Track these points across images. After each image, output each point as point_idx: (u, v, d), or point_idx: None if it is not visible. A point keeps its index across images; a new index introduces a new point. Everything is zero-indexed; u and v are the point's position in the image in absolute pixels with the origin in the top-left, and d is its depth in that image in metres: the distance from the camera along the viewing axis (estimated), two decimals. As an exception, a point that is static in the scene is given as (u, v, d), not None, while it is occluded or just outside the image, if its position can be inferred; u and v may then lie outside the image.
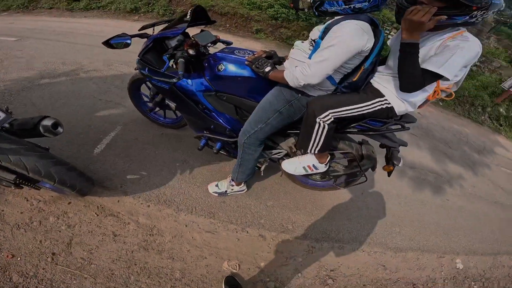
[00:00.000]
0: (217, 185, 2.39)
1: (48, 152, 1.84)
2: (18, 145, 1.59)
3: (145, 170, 2.45)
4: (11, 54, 4.39)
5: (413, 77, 1.41)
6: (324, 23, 1.57)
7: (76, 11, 8.70)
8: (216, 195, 2.39)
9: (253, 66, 1.81)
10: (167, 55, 1.86)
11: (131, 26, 7.06)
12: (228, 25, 7.79)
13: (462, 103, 7.52)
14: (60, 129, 1.53)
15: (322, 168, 2.03)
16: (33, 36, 5.51)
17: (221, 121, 2.17)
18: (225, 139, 2.21)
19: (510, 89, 7.71)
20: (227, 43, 2.37)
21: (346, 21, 1.44)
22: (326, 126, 1.70)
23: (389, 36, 7.84)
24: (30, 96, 3.21)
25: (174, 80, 1.79)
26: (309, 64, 1.54)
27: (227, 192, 2.39)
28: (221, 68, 1.91)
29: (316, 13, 1.57)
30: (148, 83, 2.54)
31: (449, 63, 1.35)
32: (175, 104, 2.21)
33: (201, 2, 7.89)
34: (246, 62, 1.86)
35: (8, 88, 3.34)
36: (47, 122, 1.50)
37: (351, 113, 1.67)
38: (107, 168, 2.40)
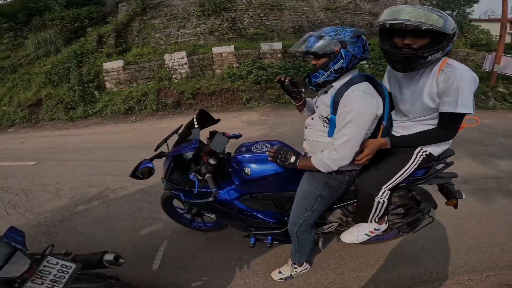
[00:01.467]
0: (280, 272, 2.29)
1: (120, 281, 1.98)
2: (98, 283, 1.75)
3: (206, 276, 2.48)
4: (37, 182, 4.68)
5: (438, 138, 1.53)
6: (325, 93, 1.63)
7: (75, 120, 9.14)
8: (283, 280, 2.29)
9: (278, 161, 1.72)
10: (193, 173, 1.81)
11: (132, 128, 7.57)
12: (219, 103, 8.30)
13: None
14: (121, 260, 1.66)
15: (384, 227, 1.94)
16: (49, 157, 5.85)
17: (263, 218, 2.09)
18: (274, 232, 2.14)
19: (495, 70, 8.29)
20: (236, 136, 2.31)
21: (350, 91, 1.44)
22: (386, 201, 1.66)
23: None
24: (74, 225, 3.42)
25: (210, 199, 1.70)
26: (335, 147, 1.50)
27: (292, 275, 2.27)
28: (248, 172, 1.84)
29: (314, 88, 1.61)
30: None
31: (462, 101, 1.34)
32: (214, 215, 2.27)
33: (186, 88, 8.47)
34: (269, 158, 1.77)
35: (49, 220, 3.57)
36: (109, 257, 1.63)
37: (403, 177, 1.62)
38: (171, 281, 2.46)
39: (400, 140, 1.61)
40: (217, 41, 10.00)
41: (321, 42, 1.44)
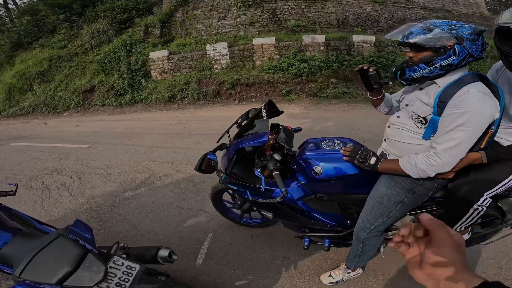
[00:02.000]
0: (330, 275, 2.11)
1: (170, 278, 1.82)
2: (155, 284, 1.59)
3: (250, 274, 2.31)
4: (89, 165, 4.66)
5: None
6: (421, 89, 1.42)
7: (124, 106, 9.32)
8: (332, 285, 2.12)
9: (355, 161, 1.51)
10: (258, 169, 1.65)
11: (174, 116, 7.46)
12: (258, 95, 8.00)
13: None
14: (174, 257, 1.52)
15: (466, 237, 1.76)
16: (100, 141, 5.89)
17: (324, 220, 1.89)
18: (332, 235, 1.94)
19: None
20: (297, 130, 2.09)
21: (464, 90, 1.23)
22: (485, 208, 1.47)
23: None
24: (122, 212, 3.31)
25: (279, 199, 1.55)
26: (436, 152, 1.29)
27: (343, 279, 2.09)
28: (319, 171, 1.63)
29: (404, 82, 1.40)
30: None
31: None
32: (271, 214, 2.00)
33: (227, 78, 8.25)
34: (344, 158, 1.56)
35: (100, 205, 3.48)
36: (164, 254, 1.51)
37: (508, 185, 1.40)
38: (214, 277, 2.32)
39: (499, 154, 1.35)
40: (257, 33, 9.55)
41: (430, 35, 1.23)
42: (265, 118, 1.74)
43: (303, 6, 9.81)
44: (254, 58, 8.56)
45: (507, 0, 18.00)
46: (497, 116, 1.26)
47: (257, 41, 8.41)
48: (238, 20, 9.76)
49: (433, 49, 1.24)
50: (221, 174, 2.04)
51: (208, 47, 8.76)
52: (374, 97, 1.67)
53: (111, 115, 8.73)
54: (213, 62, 8.75)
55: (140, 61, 9.58)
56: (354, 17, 10.21)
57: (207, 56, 8.80)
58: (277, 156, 1.67)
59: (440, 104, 1.27)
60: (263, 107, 1.77)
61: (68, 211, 3.44)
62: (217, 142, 2.03)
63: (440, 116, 1.28)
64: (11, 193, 2.06)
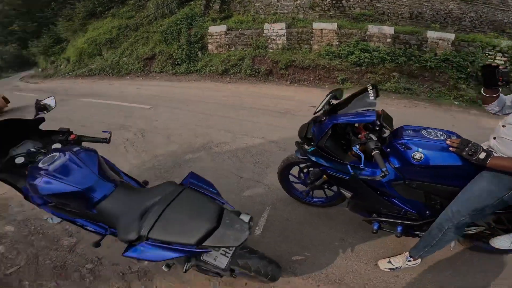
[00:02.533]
0: (389, 262, 2.01)
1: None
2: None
3: (307, 251, 2.22)
4: (152, 125, 4.68)
5: None
6: None
7: (179, 75, 9.40)
8: (388, 270, 2.02)
9: (464, 153, 1.44)
10: (357, 146, 1.59)
11: (227, 88, 7.31)
12: (311, 79, 7.54)
13: None
14: (251, 223, 1.40)
15: None
16: (160, 104, 5.93)
17: (403, 206, 1.79)
18: (408, 222, 1.84)
19: None
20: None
21: None
22: None
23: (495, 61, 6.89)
24: (183, 173, 3.23)
25: (379, 177, 1.52)
26: None
27: (401, 267, 1.99)
28: (419, 158, 1.53)
29: None
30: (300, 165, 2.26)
31: None
32: (351, 194, 1.87)
33: (281, 59, 7.84)
34: (451, 149, 1.49)
35: (162, 164, 3.44)
36: (245, 219, 1.36)
37: None
38: (272, 250, 2.22)
39: None
40: (317, 17, 8.87)
41: None
42: (372, 98, 1.62)
43: (372, -6, 8.82)
44: (311, 42, 8.00)
45: None
46: None
47: (317, 25, 7.81)
48: (298, 2, 9.13)
49: None
50: (305, 146, 1.93)
51: (265, 26, 8.36)
52: (489, 95, 1.56)
53: (167, 82, 8.89)
54: (269, 41, 8.36)
55: (199, 34, 9.55)
56: (432, 12, 9.00)
57: (263, 35, 8.43)
58: (373, 137, 1.61)
59: None
60: (370, 87, 1.66)
61: (133, 167, 3.45)
62: (314, 114, 1.91)
63: None
64: (106, 140, 1.95)
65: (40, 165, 1.54)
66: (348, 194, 1.88)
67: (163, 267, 1.62)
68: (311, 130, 1.83)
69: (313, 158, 1.85)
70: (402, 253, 2.01)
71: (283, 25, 8.11)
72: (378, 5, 8.85)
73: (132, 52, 11.35)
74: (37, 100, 2.06)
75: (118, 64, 11.56)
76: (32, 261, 2.29)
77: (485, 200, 1.48)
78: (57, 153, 1.60)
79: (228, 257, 1.31)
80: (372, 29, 7.49)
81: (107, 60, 12.17)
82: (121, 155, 3.68)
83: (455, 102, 6.65)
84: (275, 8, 9.32)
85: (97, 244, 1.90)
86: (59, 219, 2.73)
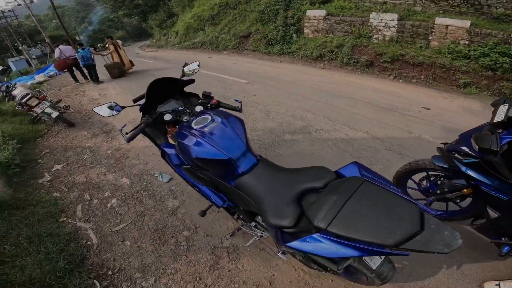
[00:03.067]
0: (498, 285, 1.74)
1: None
2: None
3: (406, 260, 1.92)
4: (250, 99, 4.61)
5: None
6: None
7: (271, 55, 9.22)
8: None
9: None
10: None
11: (321, 74, 6.78)
12: (422, 77, 6.41)
13: None
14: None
15: None
16: (256, 80, 5.86)
17: None
18: None
19: None
20: None
21: None
22: None
23: None
24: (282, 153, 3.05)
25: None
26: None
27: None
28: None
29: None
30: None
31: None
32: (498, 214, 1.56)
33: (387, 51, 6.85)
34: None
35: (261, 140, 3.30)
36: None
37: None
38: None
39: None
40: (441, 12, 7.31)
41: None
42: None
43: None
44: (430, 38, 6.72)
45: None
46: None
47: (441, 20, 6.51)
48: None
49: None
50: (456, 155, 1.61)
51: (372, 15, 7.41)
52: None
53: (260, 60, 8.87)
54: (374, 31, 7.40)
55: (296, 17, 9.15)
56: None
57: (369, 24, 7.50)
58: None
59: None
60: None
61: None
62: (490, 122, 1.51)
63: None
64: (239, 109, 1.84)
65: (193, 125, 1.48)
66: (494, 214, 1.60)
67: (278, 254, 1.43)
68: (494, 141, 1.40)
69: (470, 171, 1.54)
70: None
71: (394, 16, 7.03)
72: None
73: (230, 29, 11.70)
74: (185, 63, 2.10)
75: (217, 40, 12.08)
76: (138, 220, 2.44)
77: None
78: (208, 116, 1.52)
79: (381, 258, 1.20)
80: None
81: (208, 35, 12.83)
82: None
83: None
84: (386, -3, 8.09)
85: (203, 213, 1.86)
86: (168, 177, 2.89)
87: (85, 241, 2.24)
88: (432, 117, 4.23)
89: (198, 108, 1.72)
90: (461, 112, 4.60)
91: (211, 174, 1.48)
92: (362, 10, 8.22)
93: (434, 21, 6.67)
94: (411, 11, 7.64)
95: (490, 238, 1.73)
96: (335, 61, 7.69)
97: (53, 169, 3.37)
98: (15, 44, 24.62)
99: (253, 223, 1.74)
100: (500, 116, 1.43)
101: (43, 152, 3.86)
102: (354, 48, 7.53)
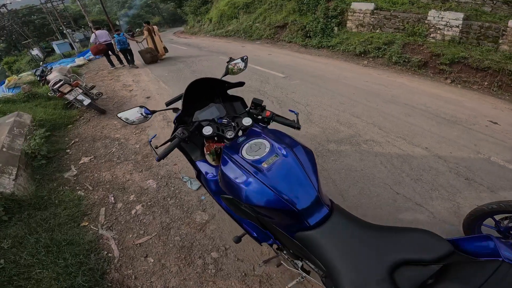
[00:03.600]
0: None
1: None
2: None
3: None
4: (289, 96, 4.18)
5: None
6: None
7: (309, 47, 8.59)
8: None
9: None
10: None
11: (367, 72, 6.10)
12: (485, 83, 5.54)
13: None
14: None
15: None
16: (294, 75, 5.38)
17: None
18: None
19: None
20: None
21: None
22: None
23: None
24: (327, 166, 2.63)
25: None
26: None
27: None
28: None
29: None
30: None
31: None
32: None
33: (446, 52, 5.98)
34: None
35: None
36: None
37: None
38: None
39: None
40: None
41: None
42: None
43: None
44: (500, 41, 5.73)
45: None
46: None
47: None
48: None
49: None
50: None
51: (431, 12, 6.52)
52: None
53: (297, 53, 8.27)
54: (431, 29, 6.50)
55: (339, 9, 8.36)
56: None
57: (426, 21, 6.59)
58: None
59: None
60: None
61: None
62: None
63: None
64: (297, 125, 1.45)
65: (244, 153, 1.11)
66: None
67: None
68: None
69: None
70: None
71: (459, 15, 6.09)
72: None
73: (265, 19, 11.10)
74: (230, 58, 1.71)
75: (251, 29, 11.56)
76: (163, 233, 2.16)
77: None
78: (265, 141, 1.14)
79: None
80: None
81: (242, 24, 12.35)
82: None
83: None
84: (449, -6, 7.06)
85: (238, 240, 1.52)
86: (198, 184, 2.58)
87: (106, 252, 2.02)
88: (502, 134, 3.54)
89: (247, 121, 1.32)
90: None
91: (263, 217, 1.13)
92: (417, 7, 7.35)
93: (507, 23, 5.70)
94: (479, 11, 6.63)
95: None
96: (381, 58, 6.91)
97: (80, 162, 3.22)
98: (60, 28, 25.89)
99: (300, 263, 1.37)
100: None
101: (72, 141, 3.75)
102: (405, 46, 6.70)
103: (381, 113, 3.72)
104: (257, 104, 1.42)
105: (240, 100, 1.65)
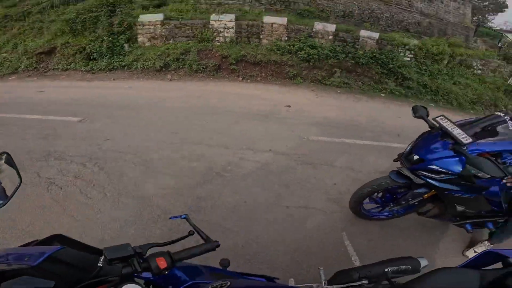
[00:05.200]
0: (475, 251, 2.11)
1: None
2: None
3: None
4: (105, 149, 2.96)
5: None
6: None
7: (97, 72, 7.01)
8: None
9: None
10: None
11: (177, 87, 5.83)
12: (263, 74, 6.82)
13: (487, 107, 7.70)
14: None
15: None
16: (94, 112, 4.01)
17: (497, 207, 1.88)
18: (496, 219, 1.96)
19: None
20: None
21: None
22: None
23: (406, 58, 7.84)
24: (212, 219, 2.07)
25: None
26: None
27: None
28: None
29: None
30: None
31: None
32: (463, 208, 1.82)
33: (231, 53, 6.82)
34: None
35: (166, 211, 2.09)
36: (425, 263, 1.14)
37: None
38: None
39: None
40: (263, 10, 8.19)
41: None
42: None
43: (315, -9, 8.73)
44: (261, 36, 7.30)
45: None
46: None
47: (268, 19, 7.21)
48: None
49: None
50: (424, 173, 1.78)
51: (212, 17, 7.15)
52: None
53: (82, 81, 6.46)
54: (215, 33, 7.17)
55: (125, 24, 7.41)
56: (360, 11, 9.64)
57: (210, 26, 7.16)
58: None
59: None
60: (503, 114, 1.77)
61: (118, 224, 1.96)
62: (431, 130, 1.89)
63: None
64: (213, 245, 0.71)
65: None
66: (460, 208, 1.82)
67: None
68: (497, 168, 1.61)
69: (444, 185, 1.74)
70: (480, 242, 2.12)
71: (232, 16, 7.08)
72: (318, 1, 8.86)
73: (17, 46, 7.95)
74: None
75: (-4, 61, 7.87)
76: None
77: None
78: None
79: None
80: (318, 25, 7.41)
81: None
82: (83, 208, 2.06)
83: (382, 94, 7.32)
84: (219, -2, 8.08)
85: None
86: None
87: None
88: (298, 114, 4.53)
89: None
90: (310, 103, 5.38)
91: None
92: (200, 12, 7.84)
93: (263, 20, 7.29)
94: (242, 10, 8.02)
95: (452, 223, 2.05)
96: (182, 69, 6.84)
97: None
98: None
99: None
100: (460, 134, 1.64)
101: None
102: (200, 53, 6.99)
103: (216, 130, 3.52)
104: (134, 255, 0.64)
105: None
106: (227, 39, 7.13)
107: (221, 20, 7.07)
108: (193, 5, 7.95)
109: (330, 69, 7.15)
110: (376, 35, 7.96)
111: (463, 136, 1.64)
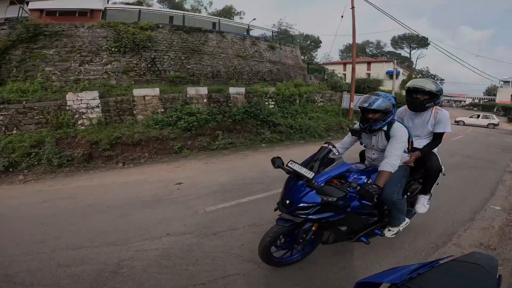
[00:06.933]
0: (389, 230, 2.95)
1: None
2: None
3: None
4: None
5: (435, 146, 3.04)
6: (374, 135, 2.75)
7: None
8: (395, 236, 2.99)
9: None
10: (349, 188, 2.36)
11: (32, 190, 5.51)
12: (146, 154, 7.22)
13: (337, 130, 10.92)
14: None
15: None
16: None
17: (369, 216, 2.76)
18: (377, 222, 2.87)
19: (351, 107, 12.38)
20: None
21: (396, 125, 2.59)
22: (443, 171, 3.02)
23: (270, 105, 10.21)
24: None
25: (375, 196, 2.26)
26: (394, 158, 2.46)
27: (400, 230, 3.01)
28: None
29: (371, 133, 2.65)
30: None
31: (447, 125, 2.92)
32: (345, 227, 2.57)
33: (101, 137, 7.02)
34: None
35: None
36: None
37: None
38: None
39: (423, 151, 2.92)
40: (133, 82, 9.04)
41: (382, 104, 2.50)
42: (337, 154, 2.52)
43: (182, 58, 10.33)
44: (135, 112, 7.90)
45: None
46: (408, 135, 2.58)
47: (138, 92, 7.86)
48: (109, 66, 8.82)
49: (383, 111, 2.50)
50: (296, 211, 2.40)
51: (69, 96, 7.22)
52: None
53: None
54: (76, 116, 7.24)
55: None
56: (225, 69, 11.86)
57: (67, 108, 7.20)
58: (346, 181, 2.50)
59: (388, 137, 2.57)
60: (328, 145, 2.53)
61: None
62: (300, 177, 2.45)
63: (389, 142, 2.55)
64: None
65: None
66: (343, 228, 2.49)
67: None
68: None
69: (317, 216, 2.36)
70: (385, 229, 2.89)
71: (95, 94, 7.41)
72: (188, 66, 10.51)
73: None
74: None
75: None
76: None
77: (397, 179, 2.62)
78: None
79: None
80: (191, 91, 8.67)
81: None
82: None
83: (263, 145, 9.17)
84: (76, 73, 8.42)
85: None
86: None
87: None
88: (191, 188, 5.18)
89: None
90: (200, 173, 6.17)
91: None
92: (53, 92, 7.83)
93: (133, 93, 7.92)
94: (107, 85, 8.44)
95: (350, 240, 2.71)
96: (39, 166, 6.49)
97: None
98: None
99: None
100: (306, 172, 2.35)
101: None
102: (60, 142, 6.86)
103: (98, 229, 3.70)
104: None
105: None
106: (94, 121, 7.31)
107: (81, 99, 7.28)
108: (41, 83, 7.95)
109: (212, 133, 8.29)
110: (242, 89, 9.98)
111: (308, 172, 2.28)
